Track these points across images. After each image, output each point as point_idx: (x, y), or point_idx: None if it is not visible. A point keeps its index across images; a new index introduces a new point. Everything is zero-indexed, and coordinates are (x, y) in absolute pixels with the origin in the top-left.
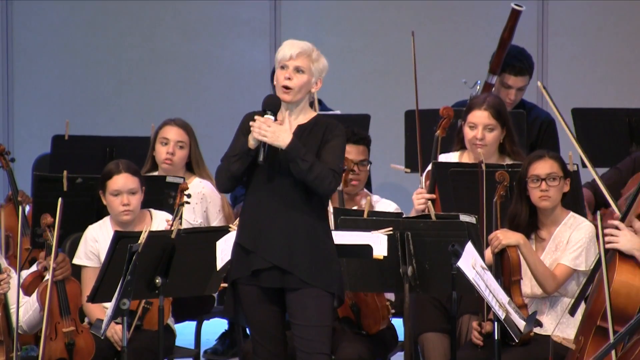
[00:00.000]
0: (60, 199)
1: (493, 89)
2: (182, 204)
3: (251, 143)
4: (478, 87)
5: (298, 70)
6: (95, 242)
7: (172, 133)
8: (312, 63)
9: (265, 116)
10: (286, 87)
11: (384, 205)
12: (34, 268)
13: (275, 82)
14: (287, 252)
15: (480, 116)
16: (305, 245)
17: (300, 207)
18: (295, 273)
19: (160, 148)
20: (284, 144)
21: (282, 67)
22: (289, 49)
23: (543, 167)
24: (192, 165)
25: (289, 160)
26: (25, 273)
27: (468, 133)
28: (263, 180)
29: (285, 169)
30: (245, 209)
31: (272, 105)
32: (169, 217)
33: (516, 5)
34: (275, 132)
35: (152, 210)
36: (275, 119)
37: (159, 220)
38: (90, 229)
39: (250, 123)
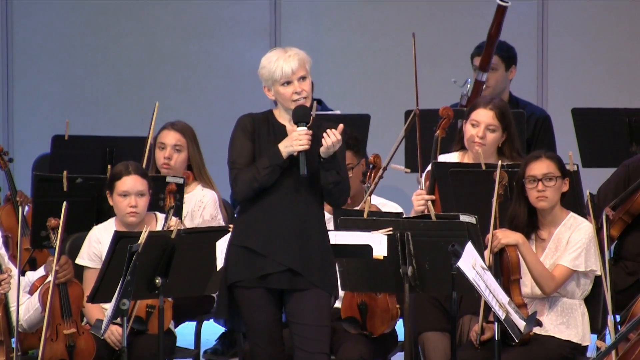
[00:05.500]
0: (65, 203)
1: (484, 86)
2: (171, 207)
3: (285, 155)
4: (469, 86)
5: (303, 78)
6: (98, 244)
7: (169, 137)
8: (307, 64)
9: (299, 128)
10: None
11: (389, 209)
12: (40, 271)
13: (278, 99)
14: (301, 255)
15: (484, 115)
16: (316, 248)
17: (310, 211)
18: (307, 276)
19: (158, 153)
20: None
21: (287, 83)
22: (287, 64)
23: (539, 167)
24: (193, 170)
25: (325, 169)
26: (31, 275)
27: (469, 130)
28: (275, 185)
29: (297, 173)
30: (254, 213)
31: (305, 116)
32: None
33: (502, 1)
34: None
35: (158, 213)
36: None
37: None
38: (94, 230)
39: (292, 136)
